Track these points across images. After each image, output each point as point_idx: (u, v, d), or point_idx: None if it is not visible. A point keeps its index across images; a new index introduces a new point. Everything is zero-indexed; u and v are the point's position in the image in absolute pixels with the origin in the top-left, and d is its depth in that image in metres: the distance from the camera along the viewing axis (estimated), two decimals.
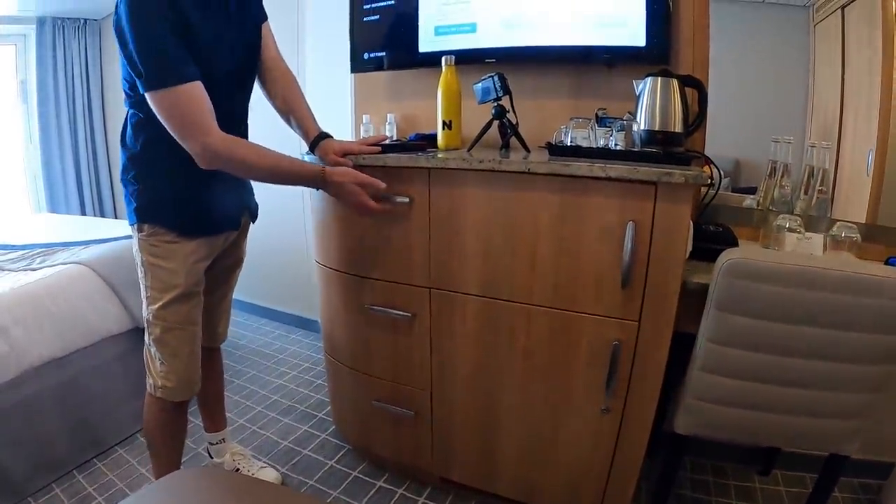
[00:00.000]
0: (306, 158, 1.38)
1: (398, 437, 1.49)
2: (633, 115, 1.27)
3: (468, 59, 1.56)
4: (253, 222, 1.38)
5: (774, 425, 1.10)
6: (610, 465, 1.21)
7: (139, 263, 1.18)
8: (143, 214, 1.15)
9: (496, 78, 1.36)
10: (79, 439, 1.70)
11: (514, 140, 1.40)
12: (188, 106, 1.00)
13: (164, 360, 1.21)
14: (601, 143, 1.24)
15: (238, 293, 3.22)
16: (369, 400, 1.48)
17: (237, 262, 1.42)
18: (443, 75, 1.44)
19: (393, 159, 1.24)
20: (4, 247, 2.06)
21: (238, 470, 1.58)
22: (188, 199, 1.15)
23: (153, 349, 1.21)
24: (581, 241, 1.09)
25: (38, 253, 1.95)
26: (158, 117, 1.01)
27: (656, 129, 1.21)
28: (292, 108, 1.32)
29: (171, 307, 1.18)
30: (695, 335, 1.09)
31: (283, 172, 1.13)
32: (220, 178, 1.12)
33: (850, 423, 1.07)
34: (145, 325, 1.21)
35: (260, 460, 1.66)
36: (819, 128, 1.41)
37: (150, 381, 1.24)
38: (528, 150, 1.38)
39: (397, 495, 1.53)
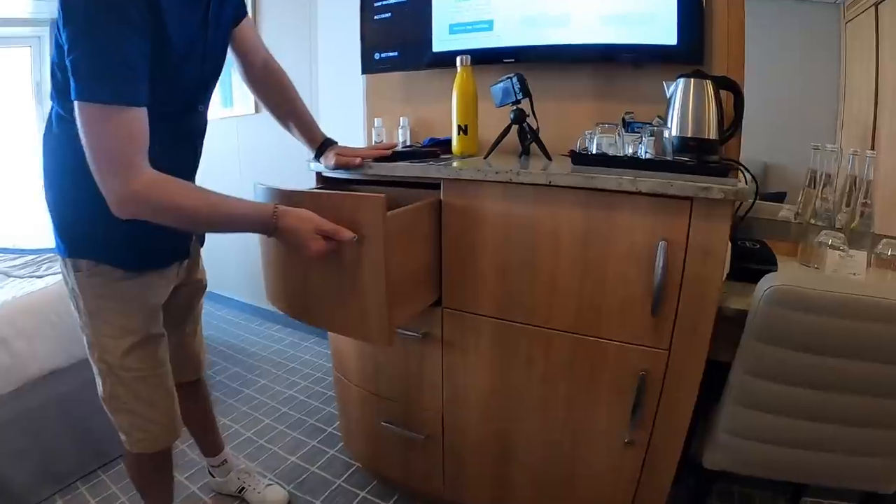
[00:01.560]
0: (311, 167, 1.31)
1: (408, 459, 1.42)
2: (664, 119, 1.18)
3: (485, 59, 1.48)
4: (201, 246, 1.23)
5: (811, 463, 1.01)
6: (632, 499, 1.12)
7: (79, 307, 1.01)
8: (81, 249, 0.97)
9: (515, 79, 1.27)
10: (82, 451, 1.67)
11: (534, 146, 1.31)
12: (127, 136, 0.78)
13: (138, 412, 1.07)
14: (629, 150, 1.15)
15: (251, 298, 3.16)
16: (378, 420, 1.41)
17: (199, 289, 1.28)
18: (458, 76, 1.36)
19: (402, 168, 1.17)
20: (13, 251, 2.05)
21: (243, 489, 1.53)
22: (134, 229, 0.87)
23: (119, 402, 1.05)
24: (607, 261, 1.00)
25: (45, 258, 1.93)
26: (81, 135, 0.78)
27: (689, 135, 1.11)
28: (292, 114, 1.23)
29: (134, 354, 1.03)
30: (727, 363, 0.99)
31: (222, 217, 0.88)
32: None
33: (893, 461, 0.97)
34: (97, 375, 1.05)
35: (266, 477, 1.61)
36: (852, 131, 1.29)
37: (122, 437, 1.10)
38: (549, 157, 1.29)
39: None
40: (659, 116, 1.27)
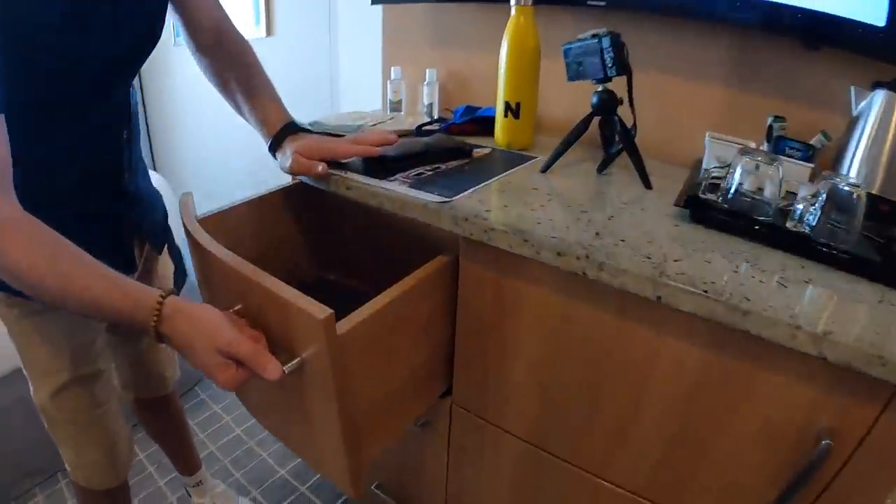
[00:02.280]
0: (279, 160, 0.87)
1: None
2: (827, 139, 0.70)
3: None
4: (158, 251, 0.94)
5: None
6: None
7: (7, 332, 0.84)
8: None
9: (607, 41, 0.78)
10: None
11: (623, 158, 0.85)
12: None
13: (75, 450, 0.93)
14: (773, 190, 0.68)
15: None
16: (369, 482, 1.14)
17: (162, 283, 1.01)
18: (511, 22, 0.90)
19: (395, 198, 0.73)
20: None
21: None
22: None
23: (57, 437, 0.92)
24: (719, 430, 0.60)
25: None
26: None
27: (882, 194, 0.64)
28: (249, 90, 0.85)
29: (61, 396, 0.86)
30: None
31: (80, 302, 0.57)
32: (84, 199, 0.74)
33: None
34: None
35: (246, 497, 1.43)
36: None
37: (66, 464, 0.96)
38: (648, 184, 0.82)
39: None
40: (824, 134, 0.79)
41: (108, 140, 0.77)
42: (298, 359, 0.56)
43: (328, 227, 1.01)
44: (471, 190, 0.74)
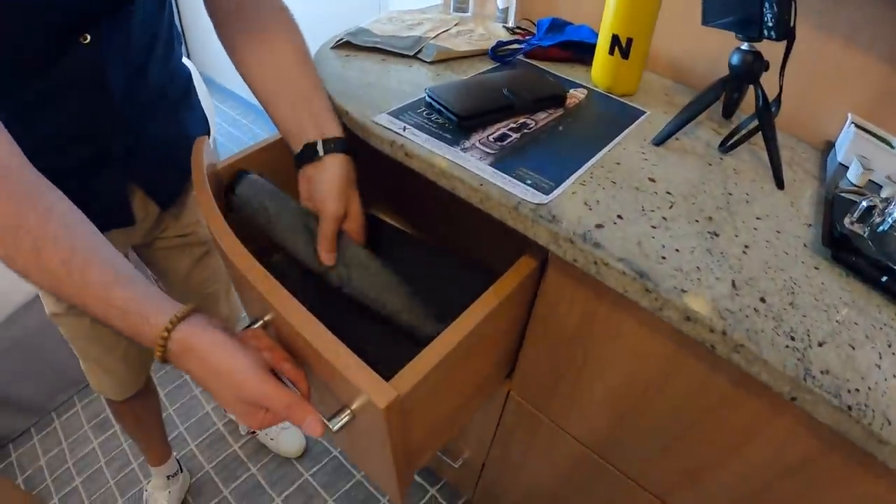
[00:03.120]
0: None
1: (442, 466, 1.18)
2: None
3: None
4: (163, 207, 0.80)
5: None
6: None
7: None
8: None
9: None
10: None
11: (756, 139, 0.68)
12: None
13: (82, 363, 0.93)
14: None
15: None
16: None
17: (187, 246, 0.90)
18: None
19: (469, 185, 0.58)
20: None
21: (255, 433, 1.43)
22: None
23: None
24: None
25: None
26: None
27: None
28: (278, 83, 0.65)
29: (59, 321, 0.83)
30: None
31: (80, 302, 0.46)
32: (59, 155, 0.62)
33: None
34: None
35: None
36: None
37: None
38: (780, 183, 0.65)
39: (427, 496, 1.33)
40: None
41: (83, 99, 0.61)
42: (349, 413, 0.47)
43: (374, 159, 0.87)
44: (572, 179, 0.59)
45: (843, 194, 0.63)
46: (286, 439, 1.37)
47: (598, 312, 0.58)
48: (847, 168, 0.69)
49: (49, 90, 0.57)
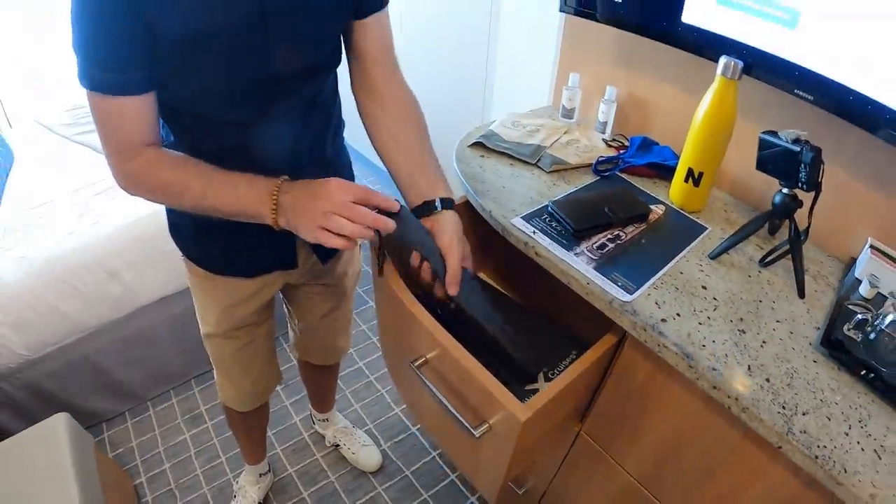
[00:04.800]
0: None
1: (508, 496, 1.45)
2: None
3: (766, 70, 0.97)
4: (323, 262, 1.02)
5: None
6: None
7: None
8: (172, 231, 0.97)
9: (808, 155, 0.83)
10: (192, 358, 1.80)
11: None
12: (115, 124, 0.70)
13: (221, 376, 1.15)
14: None
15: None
16: None
17: (334, 294, 1.15)
18: (714, 91, 0.95)
19: (579, 281, 0.89)
20: None
21: (338, 447, 1.65)
22: (206, 224, 0.83)
23: (211, 360, 1.14)
24: None
25: None
26: None
27: None
28: (401, 152, 0.87)
29: (210, 341, 1.07)
30: None
31: (209, 205, 0.74)
32: None
33: None
34: None
35: (362, 431, 1.69)
36: None
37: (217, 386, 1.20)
38: (802, 293, 0.92)
39: None
40: None
41: (272, 164, 0.78)
42: (487, 426, 0.78)
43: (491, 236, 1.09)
44: (648, 284, 0.90)
45: (849, 306, 0.89)
46: (365, 454, 1.62)
47: (657, 378, 0.88)
48: (860, 283, 0.94)
49: (253, 151, 0.79)
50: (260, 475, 1.51)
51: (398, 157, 0.86)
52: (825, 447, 0.70)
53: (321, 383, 1.53)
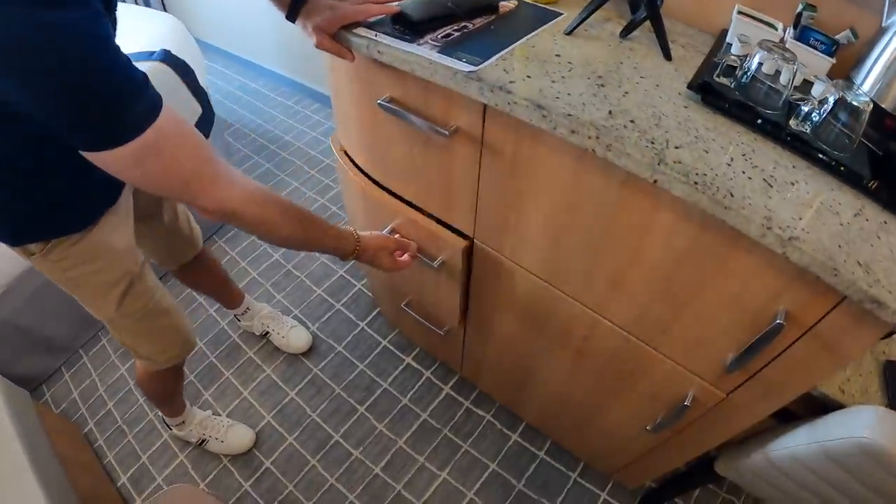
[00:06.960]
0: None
1: (429, 334, 1.38)
2: (856, 37, 0.72)
3: None
4: None
5: None
6: (640, 455, 1.12)
7: (55, 280, 0.90)
8: (30, 232, 0.81)
9: None
10: None
11: (647, 26, 0.86)
12: (187, 136, 0.64)
13: (153, 343, 1.04)
14: (785, 84, 0.72)
15: (288, 70, 2.93)
16: (400, 300, 1.35)
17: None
18: None
19: (423, 65, 0.77)
20: None
21: (268, 333, 1.60)
22: (71, 188, 0.78)
23: (133, 342, 1.02)
24: (697, 294, 0.74)
25: None
26: (126, 178, 0.63)
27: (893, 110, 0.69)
28: None
29: (126, 301, 0.94)
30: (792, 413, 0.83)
31: (311, 244, 0.85)
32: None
33: None
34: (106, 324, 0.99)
35: (290, 316, 1.67)
36: None
37: (140, 363, 1.09)
38: (668, 55, 0.84)
39: (423, 378, 1.56)
40: (852, 31, 0.80)
41: None
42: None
43: None
44: (496, 57, 0.78)
45: (720, 61, 0.82)
46: (295, 335, 1.59)
47: (523, 147, 0.78)
48: (731, 46, 0.87)
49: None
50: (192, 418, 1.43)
51: None
52: (705, 175, 0.62)
53: (210, 278, 1.42)
